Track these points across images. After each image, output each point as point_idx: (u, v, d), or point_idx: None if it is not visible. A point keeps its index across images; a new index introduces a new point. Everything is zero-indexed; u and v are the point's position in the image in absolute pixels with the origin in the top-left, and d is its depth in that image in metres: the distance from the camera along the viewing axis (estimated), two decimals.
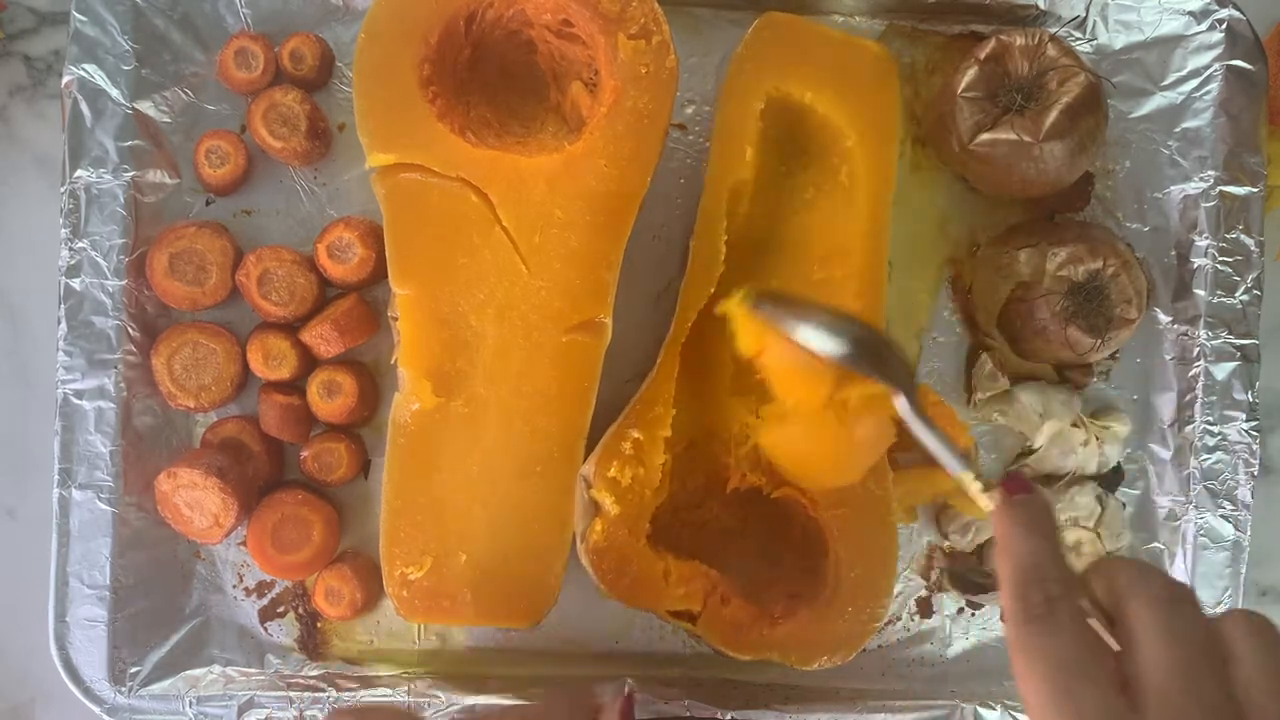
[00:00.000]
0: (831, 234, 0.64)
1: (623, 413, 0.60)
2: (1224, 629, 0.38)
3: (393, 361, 0.60)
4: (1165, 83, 0.67)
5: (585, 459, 0.60)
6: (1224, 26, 0.66)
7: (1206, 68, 0.66)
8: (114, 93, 0.62)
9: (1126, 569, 0.39)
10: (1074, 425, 0.66)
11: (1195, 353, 0.66)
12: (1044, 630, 0.37)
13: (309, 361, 0.64)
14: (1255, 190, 0.66)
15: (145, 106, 0.63)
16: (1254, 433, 0.66)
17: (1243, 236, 0.66)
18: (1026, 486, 0.42)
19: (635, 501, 0.58)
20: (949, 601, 0.68)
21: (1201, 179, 0.66)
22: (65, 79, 0.62)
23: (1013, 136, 0.60)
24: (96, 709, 0.62)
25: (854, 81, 0.63)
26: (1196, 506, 0.67)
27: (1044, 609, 0.38)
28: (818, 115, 0.63)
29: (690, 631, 0.60)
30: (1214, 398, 0.66)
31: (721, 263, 0.60)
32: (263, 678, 0.64)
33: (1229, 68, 0.66)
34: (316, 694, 0.62)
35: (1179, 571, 0.67)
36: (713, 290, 0.60)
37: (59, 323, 0.62)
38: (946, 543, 0.68)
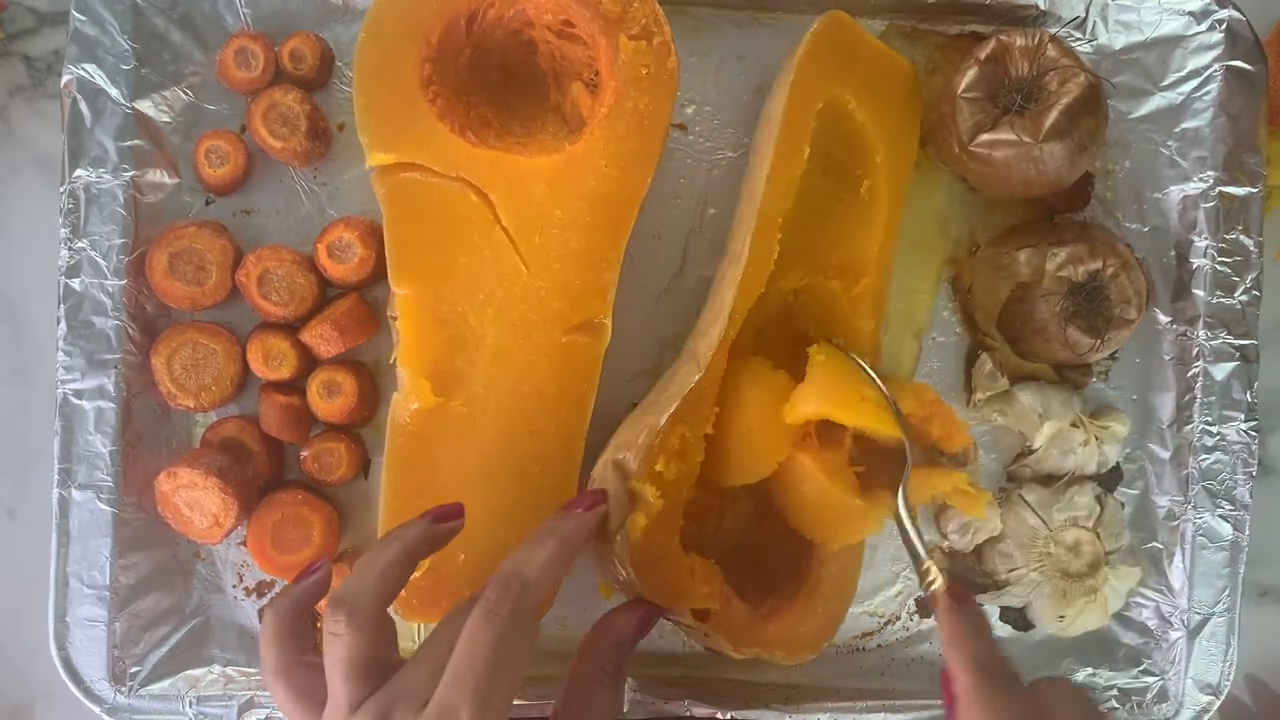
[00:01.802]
0: (847, 246, 0.64)
1: (656, 400, 0.59)
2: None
3: (391, 361, 0.60)
4: (1165, 83, 0.67)
5: (584, 458, 0.60)
6: (1224, 27, 0.66)
7: (1206, 68, 0.66)
8: (114, 93, 0.62)
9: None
10: (1073, 425, 0.66)
11: (1194, 353, 0.67)
12: (1012, 693, 0.47)
13: (309, 361, 0.64)
14: (1254, 190, 0.66)
15: (145, 106, 0.63)
16: (1253, 433, 0.66)
17: (1242, 237, 0.66)
18: (971, 600, 0.52)
19: (674, 497, 0.57)
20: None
21: (1201, 179, 0.67)
22: (65, 79, 0.62)
23: (1013, 137, 0.60)
24: (96, 709, 0.62)
25: (889, 97, 0.64)
26: (1195, 506, 0.67)
27: (1005, 679, 0.48)
28: (855, 124, 0.63)
29: (703, 633, 0.59)
30: (1213, 398, 0.66)
31: (774, 261, 0.60)
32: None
33: (1229, 68, 0.66)
34: None
35: (1177, 571, 0.67)
36: (763, 289, 0.60)
37: (59, 323, 0.62)
38: (946, 543, 0.68)
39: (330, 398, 0.63)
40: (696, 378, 0.58)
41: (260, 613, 0.65)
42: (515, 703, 0.62)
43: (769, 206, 0.60)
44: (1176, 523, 0.67)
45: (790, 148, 0.61)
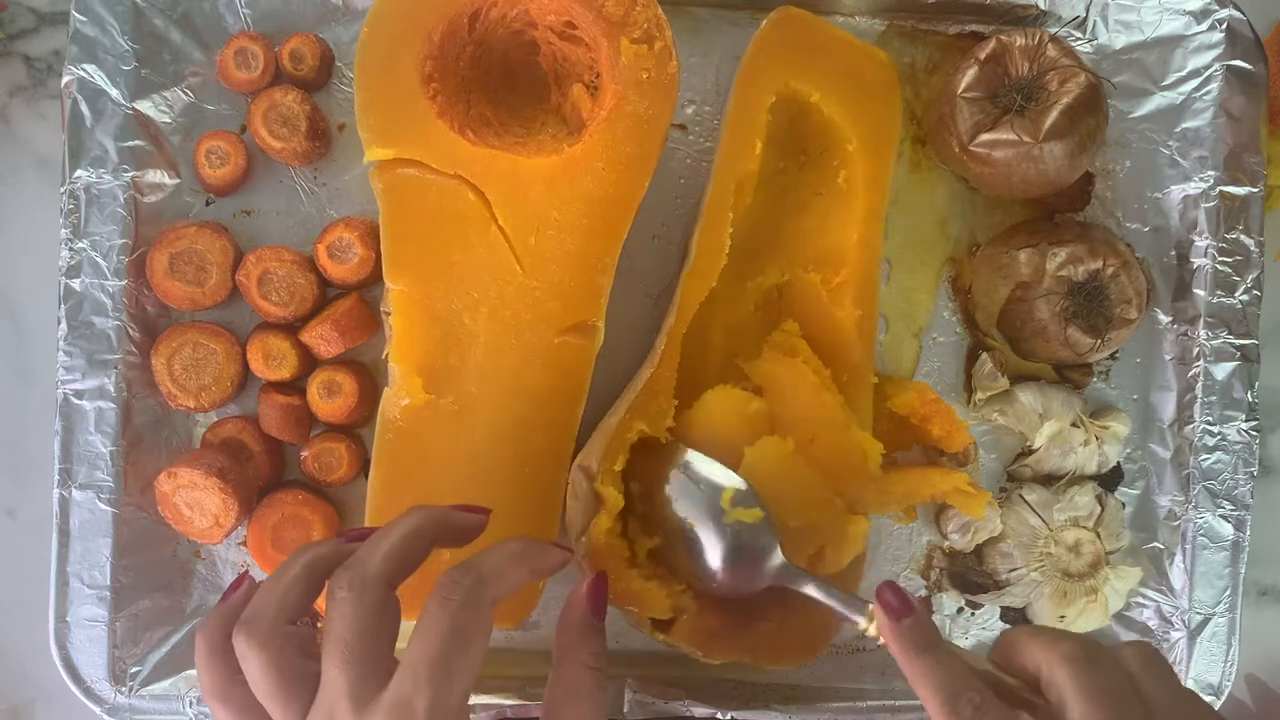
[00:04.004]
0: (826, 238, 0.64)
1: (619, 403, 0.59)
2: (1128, 666, 0.44)
3: (384, 356, 0.60)
4: (1165, 83, 0.67)
5: (573, 459, 0.60)
6: (1224, 26, 0.66)
7: (1206, 68, 0.66)
8: (114, 93, 0.62)
9: (1035, 637, 0.45)
10: (1074, 425, 0.66)
11: (1195, 353, 0.66)
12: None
13: (309, 361, 0.64)
14: (1255, 190, 0.66)
15: (145, 106, 0.63)
16: (1254, 433, 0.66)
17: (1242, 236, 0.66)
18: (905, 606, 0.46)
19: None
20: (949, 601, 0.68)
21: (1201, 179, 0.66)
22: (65, 79, 0.62)
23: (1013, 137, 0.60)
24: (96, 709, 0.62)
25: (860, 87, 0.64)
26: (1196, 506, 0.67)
27: (977, 718, 0.42)
28: (822, 116, 0.63)
29: (664, 641, 0.58)
30: (1214, 398, 0.66)
31: (725, 255, 0.60)
32: None
33: (1229, 68, 0.66)
34: None
35: (1178, 571, 0.67)
36: (714, 284, 0.60)
37: (59, 323, 0.62)
38: (946, 543, 0.68)
39: (330, 398, 0.63)
40: (650, 373, 0.58)
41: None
42: (516, 702, 0.62)
43: (716, 200, 0.61)
44: (1177, 523, 0.67)
45: (738, 143, 0.61)
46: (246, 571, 0.51)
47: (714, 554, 0.55)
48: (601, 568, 0.56)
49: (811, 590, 0.53)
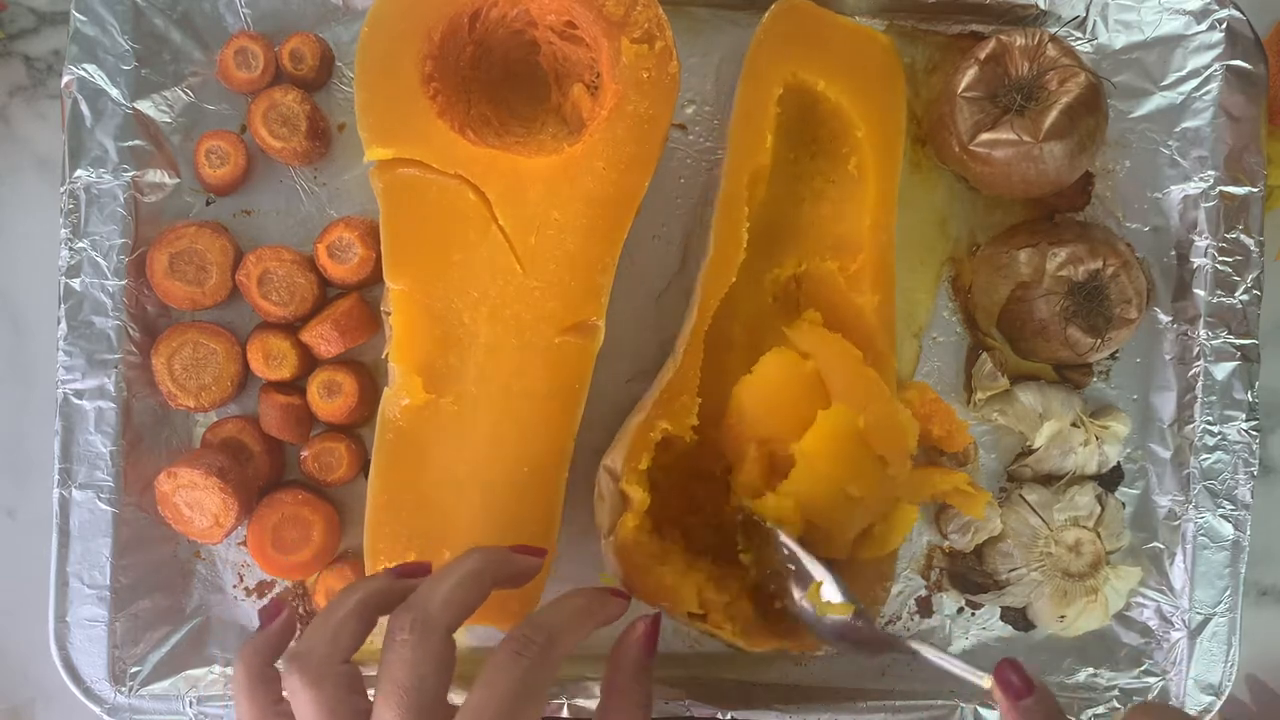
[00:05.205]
0: (840, 224, 0.64)
1: (643, 402, 0.59)
2: None
3: (384, 356, 0.60)
4: (1165, 83, 0.67)
5: (574, 459, 0.60)
6: (1224, 26, 0.66)
7: (1206, 68, 0.66)
8: (114, 93, 0.62)
9: None
10: (1074, 425, 0.66)
11: (1195, 352, 0.67)
12: None
13: (309, 361, 0.64)
14: (1255, 190, 0.66)
15: (145, 106, 0.63)
16: (1254, 432, 0.66)
17: (1242, 236, 0.66)
18: (1026, 684, 0.46)
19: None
20: (949, 601, 0.68)
21: (1201, 179, 0.67)
22: (65, 79, 0.62)
23: (1013, 136, 0.60)
24: (96, 709, 0.62)
25: (865, 73, 0.64)
26: (1196, 506, 0.67)
27: None
28: (830, 104, 0.63)
29: (705, 630, 0.58)
30: (1214, 397, 0.66)
31: (743, 249, 0.60)
32: None
33: (1229, 68, 0.66)
34: None
35: (1178, 571, 0.67)
36: (734, 278, 0.60)
37: (59, 323, 0.62)
38: (946, 543, 0.68)
39: (330, 398, 0.63)
40: (673, 372, 0.58)
41: (260, 613, 0.65)
42: None
43: (730, 196, 0.61)
44: (1177, 522, 0.67)
45: (749, 137, 0.61)
46: (286, 593, 0.50)
47: (823, 637, 0.56)
48: (630, 566, 0.56)
49: (925, 655, 0.52)
